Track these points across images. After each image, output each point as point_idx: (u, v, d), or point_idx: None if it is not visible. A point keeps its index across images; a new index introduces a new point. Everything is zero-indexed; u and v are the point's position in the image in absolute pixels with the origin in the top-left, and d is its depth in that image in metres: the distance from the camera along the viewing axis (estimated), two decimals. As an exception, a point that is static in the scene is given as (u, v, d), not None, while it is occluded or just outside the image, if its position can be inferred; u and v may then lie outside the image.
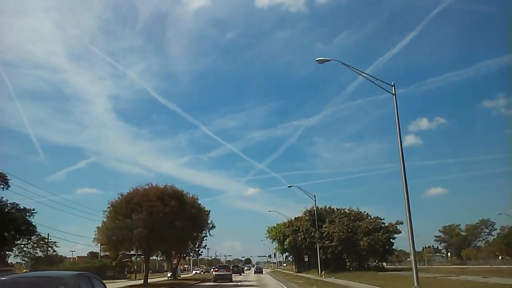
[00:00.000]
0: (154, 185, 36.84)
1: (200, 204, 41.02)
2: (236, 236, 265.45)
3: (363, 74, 26.08)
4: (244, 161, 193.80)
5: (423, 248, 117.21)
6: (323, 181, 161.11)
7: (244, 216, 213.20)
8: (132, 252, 75.34)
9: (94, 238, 35.13)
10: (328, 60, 26.12)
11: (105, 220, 34.75)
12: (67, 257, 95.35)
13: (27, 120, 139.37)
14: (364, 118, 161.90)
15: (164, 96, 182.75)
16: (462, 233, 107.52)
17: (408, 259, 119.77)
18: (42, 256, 72.61)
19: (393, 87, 24.61)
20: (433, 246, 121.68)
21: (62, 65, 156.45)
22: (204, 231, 47.02)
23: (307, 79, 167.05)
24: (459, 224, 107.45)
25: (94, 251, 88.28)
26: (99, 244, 35.50)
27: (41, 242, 72.02)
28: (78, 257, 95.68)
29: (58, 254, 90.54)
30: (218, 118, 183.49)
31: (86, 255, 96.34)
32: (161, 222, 33.05)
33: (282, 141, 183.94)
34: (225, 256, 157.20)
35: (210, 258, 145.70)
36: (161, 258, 79.33)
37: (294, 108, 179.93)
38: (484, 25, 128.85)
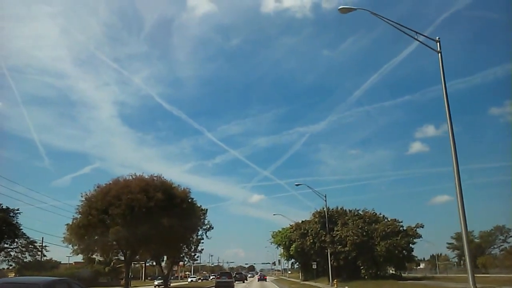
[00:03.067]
0: (138, 175, 29.93)
1: (193, 199, 33.63)
2: (240, 243, 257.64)
3: (401, 27, 20.17)
4: (248, 167, 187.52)
5: (434, 255, 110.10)
6: (329, 188, 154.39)
7: (248, 223, 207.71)
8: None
9: (63, 237, 28.35)
10: (353, 9, 20.55)
11: (77, 216, 27.85)
12: (62, 262, 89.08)
13: (32, 125, 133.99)
14: (370, 125, 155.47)
15: (169, 102, 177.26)
16: (476, 240, 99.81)
17: (419, 267, 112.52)
18: (31, 261, 66.18)
19: (437, 43, 19.16)
20: (440, 254, 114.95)
21: (68, 71, 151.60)
22: (199, 232, 40.24)
23: (313, 86, 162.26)
24: (473, 231, 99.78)
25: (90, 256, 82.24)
26: (70, 246, 28.54)
27: (30, 246, 65.70)
28: (75, 262, 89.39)
29: (53, 259, 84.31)
30: (223, 124, 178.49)
31: (82, 260, 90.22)
32: (144, 218, 26.42)
33: (287, 148, 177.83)
34: (227, 263, 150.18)
35: (212, 265, 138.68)
36: (150, 263, 71.84)
37: (299, 114, 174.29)
38: (490, 32, 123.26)
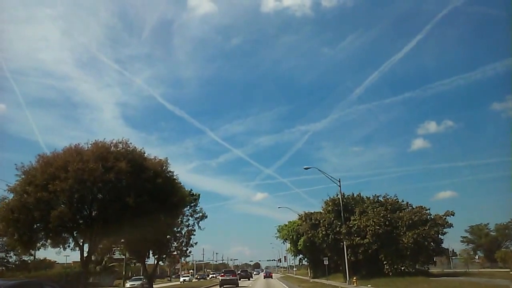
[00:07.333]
0: (97, 141, 20.79)
1: (172, 172, 23.94)
2: (245, 241, 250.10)
3: None
4: (251, 166, 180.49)
5: (448, 249, 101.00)
6: (331, 185, 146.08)
7: (252, 221, 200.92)
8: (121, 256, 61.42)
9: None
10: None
11: (8, 196, 19.18)
12: (58, 262, 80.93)
13: (36, 127, 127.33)
14: (371, 122, 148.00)
15: (171, 102, 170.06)
16: (492, 233, 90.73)
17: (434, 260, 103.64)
18: (16, 261, 58.09)
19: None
20: (447, 248, 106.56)
21: (70, 73, 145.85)
22: (190, 222, 31.72)
23: (314, 84, 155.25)
24: (488, 224, 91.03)
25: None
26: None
27: (14, 244, 57.67)
28: (73, 262, 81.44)
29: (47, 258, 76.21)
30: (225, 123, 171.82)
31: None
32: (102, 197, 18.04)
33: (289, 146, 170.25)
34: (231, 260, 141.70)
35: (216, 263, 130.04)
36: (135, 261, 62.92)
37: (301, 113, 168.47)
38: (490, 27, 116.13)
